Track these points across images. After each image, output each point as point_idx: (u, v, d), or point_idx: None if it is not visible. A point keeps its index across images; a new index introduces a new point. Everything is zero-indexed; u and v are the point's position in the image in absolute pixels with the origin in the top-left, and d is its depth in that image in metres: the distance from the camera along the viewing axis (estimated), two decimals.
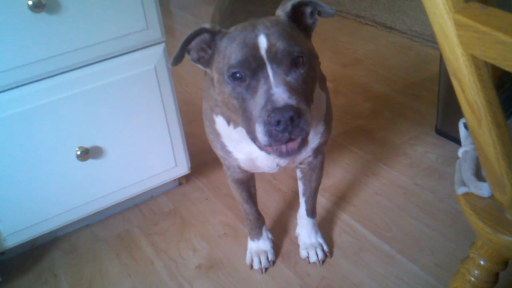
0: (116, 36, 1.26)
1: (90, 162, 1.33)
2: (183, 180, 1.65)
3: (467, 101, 0.59)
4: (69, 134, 1.28)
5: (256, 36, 0.83)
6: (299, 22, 0.91)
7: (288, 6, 0.89)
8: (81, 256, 1.40)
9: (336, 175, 1.61)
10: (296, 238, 1.36)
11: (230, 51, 0.84)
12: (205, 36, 0.89)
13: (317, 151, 1.10)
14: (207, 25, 0.89)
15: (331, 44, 2.51)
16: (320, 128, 1.05)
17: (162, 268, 1.33)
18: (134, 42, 1.29)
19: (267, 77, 0.81)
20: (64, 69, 1.23)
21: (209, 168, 1.70)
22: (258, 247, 1.31)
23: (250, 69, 0.82)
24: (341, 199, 1.51)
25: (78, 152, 1.30)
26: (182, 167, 1.53)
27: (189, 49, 0.91)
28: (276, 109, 0.77)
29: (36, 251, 1.43)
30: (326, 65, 2.29)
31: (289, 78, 0.82)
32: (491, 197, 0.74)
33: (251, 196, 1.24)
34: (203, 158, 1.72)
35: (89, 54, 1.24)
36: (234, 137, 1.01)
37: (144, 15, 1.27)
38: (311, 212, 1.29)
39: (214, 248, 1.38)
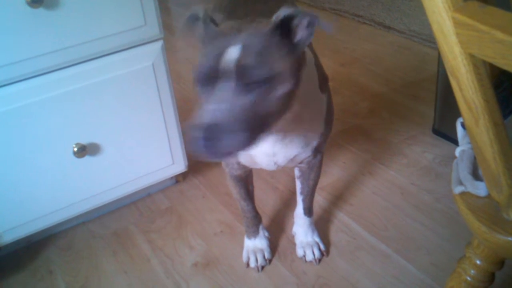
0: (114, 32, 1.25)
1: (87, 159, 1.33)
2: (180, 178, 1.65)
3: (464, 100, 0.59)
4: (66, 131, 1.28)
5: (230, 45, 0.79)
6: (292, 32, 0.83)
7: (280, 15, 0.81)
8: (77, 253, 1.40)
9: (333, 174, 1.61)
10: (293, 236, 1.36)
11: (206, 51, 0.81)
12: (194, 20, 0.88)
13: (317, 151, 1.10)
14: (200, 12, 0.86)
15: (330, 43, 2.51)
16: (319, 129, 1.05)
17: (158, 266, 1.33)
18: (132, 38, 1.29)
19: (216, 90, 0.78)
20: (61, 65, 1.22)
21: (206, 166, 1.69)
22: (255, 245, 1.31)
23: (209, 78, 0.80)
24: (338, 198, 1.51)
25: (75, 149, 1.29)
26: (179, 165, 1.52)
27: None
28: (190, 124, 0.76)
29: (32, 248, 1.43)
30: (324, 64, 2.28)
31: (237, 98, 0.77)
32: (488, 196, 0.74)
33: (248, 193, 1.24)
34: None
35: (87, 50, 1.23)
36: None
37: (142, 12, 1.27)
38: (308, 211, 1.29)
39: (210, 246, 1.38)
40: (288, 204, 1.51)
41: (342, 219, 1.43)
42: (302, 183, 1.24)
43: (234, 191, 1.23)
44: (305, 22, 0.81)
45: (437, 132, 1.74)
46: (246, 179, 1.21)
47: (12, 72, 1.16)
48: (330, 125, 1.08)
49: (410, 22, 2.61)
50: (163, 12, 1.24)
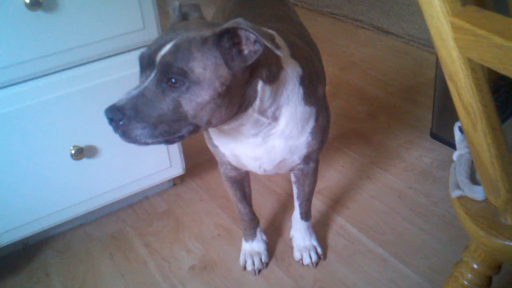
0: (112, 35, 1.25)
1: (84, 161, 1.33)
2: (177, 181, 1.64)
3: (462, 105, 0.59)
4: (64, 133, 1.28)
5: (167, 41, 0.82)
6: (238, 45, 0.82)
7: (223, 27, 0.81)
8: (74, 256, 1.39)
9: (331, 177, 1.61)
10: (290, 240, 1.36)
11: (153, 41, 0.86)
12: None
13: (308, 159, 1.09)
14: (176, 5, 0.92)
15: (328, 47, 2.52)
16: (306, 139, 1.03)
17: (155, 269, 1.33)
18: (131, 41, 1.29)
19: (145, 77, 0.82)
20: (60, 68, 1.22)
21: (204, 169, 1.69)
22: (252, 248, 1.31)
23: (143, 66, 0.84)
24: (335, 202, 1.51)
25: (73, 151, 1.29)
26: (177, 168, 1.52)
27: None
28: (109, 106, 0.81)
29: (28, 250, 1.42)
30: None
31: (155, 91, 0.80)
32: (485, 200, 0.75)
33: (245, 195, 1.24)
34: (198, 159, 1.72)
35: (86, 53, 1.23)
36: (217, 131, 1.01)
37: (141, 15, 1.27)
38: (305, 215, 1.29)
39: (207, 249, 1.38)
40: (285, 207, 1.51)
41: (339, 223, 1.43)
42: (298, 188, 1.24)
43: (230, 193, 1.22)
44: (252, 38, 0.81)
45: (435, 136, 1.74)
46: (242, 181, 1.21)
47: (10, 75, 1.16)
48: (321, 137, 1.06)
49: (409, 27, 2.62)
50: (162, 16, 1.24)
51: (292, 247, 1.34)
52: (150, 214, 1.53)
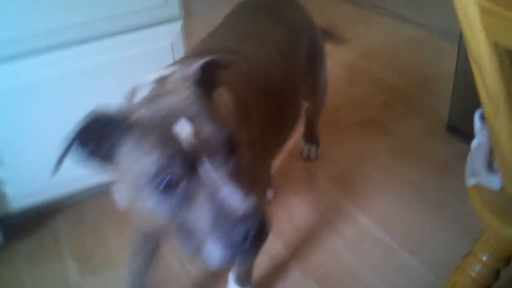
0: (133, 9, 1.25)
1: None
2: None
3: (486, 89, 0.58)
4: (78, 106, 1.28)
5: (176, 123, 0.65)
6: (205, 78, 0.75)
7: (195, 70, 0.73)
8: (85, 225, 1.41)
9: (344, 164, 1.60)
10: (300, 224, 1.36)
11: (146, 150, 0.65)
12: (100, 123, 0.70)
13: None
14: (102, 110, 0.70)
15: (348, 33, 2.48)
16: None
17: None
18: (151, 17, 1.28)
19: (205, 175, 0.64)
20: (77, 40, 1.22)
21: None
22: None
23: (182, 171, 0.63)
24: (347, 189, 1.51)
25: None
26: None
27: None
28: (241, 219, 0.61)
29: (41, 217, 1.44)
30: (342, 54, 2.26)
31: (231, 170, 0.65)
32: (501, 190, 0.74)
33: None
34: None
35: (105, 26, 1.23)
36: None
37: None
38: (240, 280, 1.11)
39: None
40: (297, 192, 1.50)
41: (350, 210, 1.43)
42: None
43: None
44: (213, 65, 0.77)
45: (452, 128, 1.72)
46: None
47: (27, 45, 1.16)
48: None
49: (431, 16, 2.57)
50: None
51: (300, 233, 1.34)
52: None
